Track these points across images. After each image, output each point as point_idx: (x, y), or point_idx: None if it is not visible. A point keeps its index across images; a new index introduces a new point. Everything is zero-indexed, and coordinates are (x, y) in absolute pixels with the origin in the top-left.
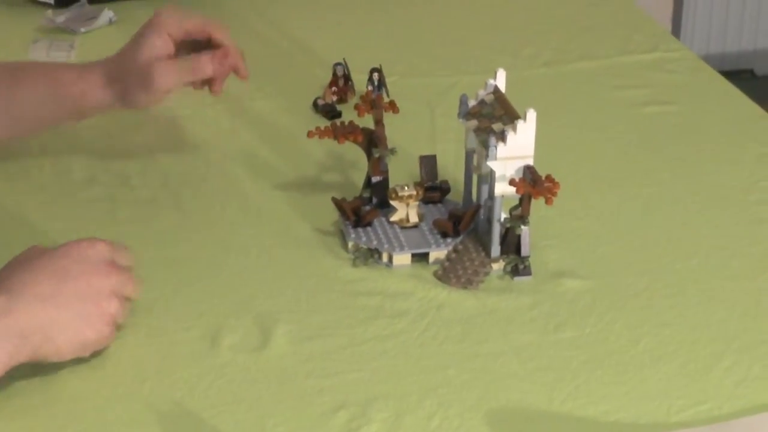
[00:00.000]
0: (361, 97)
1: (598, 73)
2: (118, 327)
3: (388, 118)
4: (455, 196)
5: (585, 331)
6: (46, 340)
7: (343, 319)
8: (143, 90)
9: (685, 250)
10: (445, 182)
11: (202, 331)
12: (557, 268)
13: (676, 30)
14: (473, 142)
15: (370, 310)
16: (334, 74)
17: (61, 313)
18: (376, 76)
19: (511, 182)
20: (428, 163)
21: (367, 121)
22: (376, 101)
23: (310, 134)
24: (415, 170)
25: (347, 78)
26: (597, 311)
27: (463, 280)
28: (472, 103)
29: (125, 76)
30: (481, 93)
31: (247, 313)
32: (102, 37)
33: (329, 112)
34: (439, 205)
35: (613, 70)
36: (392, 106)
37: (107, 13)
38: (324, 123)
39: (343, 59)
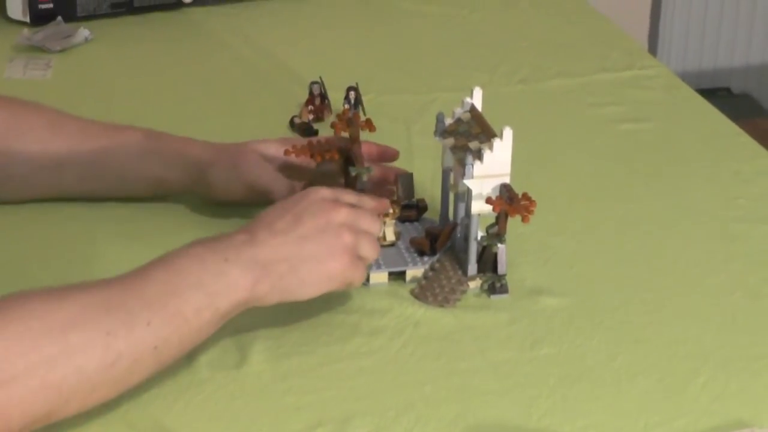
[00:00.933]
0: (338, 116)
1: (574, 91)
2: (365, 263)
3: (364, 136)
4: (432, 214)
5: (562, 348)
6: (289, 270)
7: (321, 336)
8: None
9: (661, 267)
10: (422, 200)
11: None
12: (534, 285)
13: (652, 47)
14: (450, 161)
15: (348, 327)
16: (311, 93)
17: (302, 246)
18: (352, 94)
19: (488, 200)
20: (405, 181)
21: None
22: (353, 119)
23: (286, 152)
24: (391, 188)
25: (324, 96)
26: (574, 328)
27: (440, 298)
28: (448, 121)
29: (227, 151)
30: (458, 111)
31: (225, 329)
32: (78, 55)
33: (306, 130)
34: (416, 223)
35: (590, 87)
36: (369, 125)
37: (83, 32)
38: (299, 141)
39: (320, 77)
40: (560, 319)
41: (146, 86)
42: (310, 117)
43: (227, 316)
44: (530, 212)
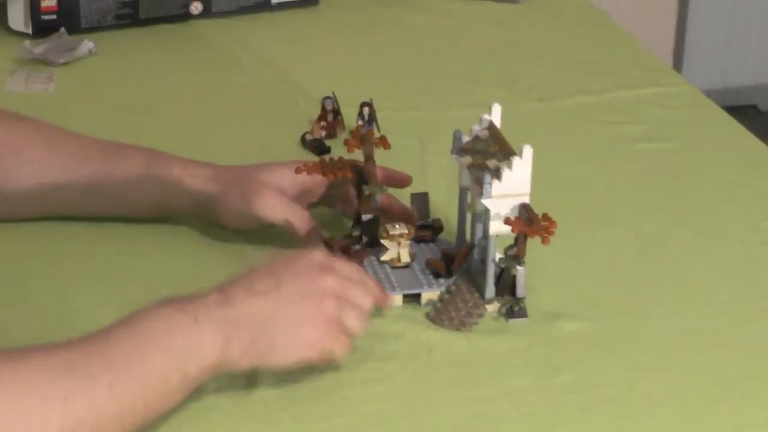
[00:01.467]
0: (351, 132)
1: (594, 109)
2: (350, 336)
3: (378, 153)
4: (448, 235)
5: (581, 375)
6: (263, 333)
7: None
8: (244, 201)
9: (685, 292)
10: (438, 220)
11: None
12: (552, 309)
13: (677, 64)
14: (467, 179)
15: (359, 352)
16: (323, 108)
17: (279, 310)
18: (366, 110)
19: (506, 221)
20: (420, 200)
21: (357, 157)
22: (367, 136)
23: (297, 170)
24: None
25: (336, 112)
26: (593, 354)
27: (455, 322)
28: (465, 138)
29: (236, 181)
30: (476, 128)
31: None
32: (82, 68)
33: (318, 147)
34: (431, 244)
35: (610, 105)
36: (383, 142)
37: (87, 44)
38: (312, 158)
39: (332, 93)
40: (579, 345)
41: (151, 101)
42: (323, 133)
43: (197, 381)
44: (550, 233)
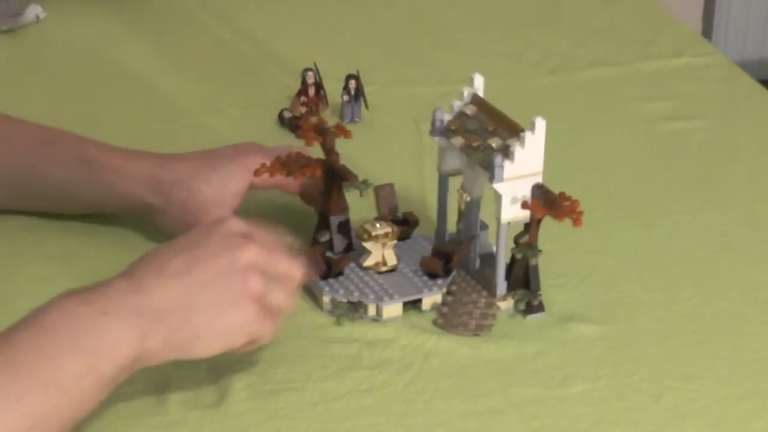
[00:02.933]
0: (302, 122)
1: (613, 82)
2: (279, 315)
3: (363, 138)
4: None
5: (598, 385)
6: (183, 322)
7: (314, 370)
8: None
9: (715, 291)
10: (410, 214)
11: (146, 384)
12: (565, 311)
13: (707, 32)
14: (452, 164)
15: (345, 359)
16: (304, 82)
17: (198, 292)
18: (353, 83)
19: (524, 205)
20: (386, 193)
21: (317, 153)
22: (322, 126)
23: (257, 173)
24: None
25: (319, 86)
26: (612, 361)
27: (471, 326)
28: (447, 117)
29: (178, 195)
30: (457, 104)
31: (201, 362)
32: (28, 36)
33: (297, 126)
34: (409, 241)
35: (632, 78)
36: (341, 130)
37: (34, 8)
38: (291, 139)
39: (314, 64)
40: (596, 351)
41: (107, 75)
42: (303, 110)
43: (115, 380)
44: (579, 214)
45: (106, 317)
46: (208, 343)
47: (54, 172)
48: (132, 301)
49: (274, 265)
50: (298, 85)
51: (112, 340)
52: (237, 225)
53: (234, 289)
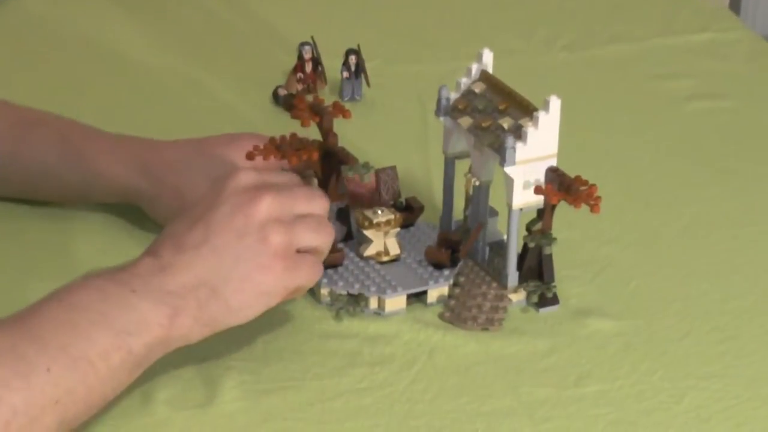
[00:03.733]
0: (296, 101)
1: (632, 59)
2: (314, 257)
3: (363, 118)
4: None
5: (615, 385)
6: (211, 295)
7: (310, 367)
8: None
9: (740, 285)
10: (414, 199)
11: (131, 383)
12: (580, 304)
13: (734, 5)
14: (459, 146)
15: (344, 356)
16: (300, 57)
17: (219, 261)
18: (353, 59)
19: (537, 190)
20: (387, 177)
21: (314, 134)
22: (318, 105)
23: (249, 156)
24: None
25: (316, 62)
26: (630, 359)
27: (481, 320)
28: (453, 95)
29: (170, 181)
30: (464, 81)
31: (189, 359)
32: (6, 13)
33: (293, 105)
34: (412, 229)
35: (652, 55)
36: (339, 109)
37: None
38: (285, 119)
39: (311, 38)
40: (613, 348)
41: (90, 50)
42: (299, 87)
43: (144, 361)
44: (597, 200)
45: (134, 295)
46: (242, 311)
47: (34, 155)
48: (156, 281)
49: (292, 208)
50: (293, 61)
51: (141, 318)
52: (246, 177)
53: (255, 248)
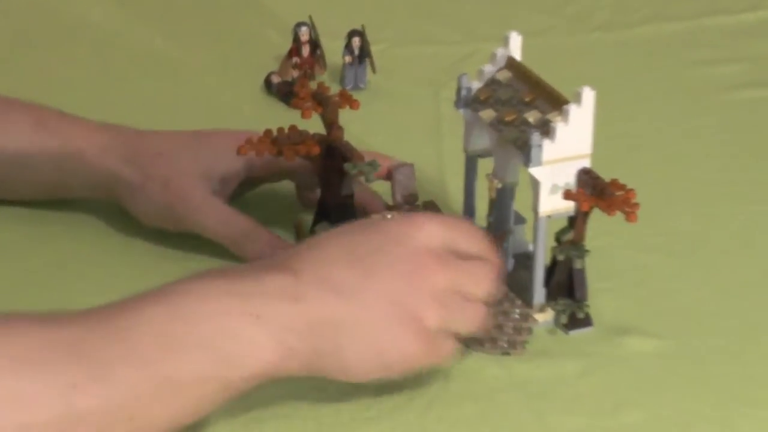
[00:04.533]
0: (298, 88)
1: (674, 41)
2: (453, 340)
3: (368, 107)
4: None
5: (656, 413)
6: (334, 348)
7: (308, 393)
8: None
9: None
10: (431, 203)
11: None
12: (617, 322)
13: None
14: (481, 142)
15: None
16: (296, 39)
17: (357, 318)
18: (356, 41)
19: (567, 195)
20: (403, 176)
21: (316, 125)
22: (322, 93)
23: (240, 150)
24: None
25: (314, 45)
26: (673, 384)
27: (501, 343)
28: (476, 85)
29: (157, 168)
30: (489, 69)
31: None
32: None
33: (288, 93)
34: None
35: (697, 36)
36: (347, 99)
37: None
38: (280, 110)
39: (309, 17)
40: (654, 371)
41: (67, 30)
42: (295, 74)
43: (236, 393)
44: (634, 207)
45: (257, 322)
46: (356, 375)
47: (4, 141)
48: (285, 310)
49: (462, 288)
50: (288, 44)
51: (252, 352)
52: (434, 236)
53: (404, 320)
